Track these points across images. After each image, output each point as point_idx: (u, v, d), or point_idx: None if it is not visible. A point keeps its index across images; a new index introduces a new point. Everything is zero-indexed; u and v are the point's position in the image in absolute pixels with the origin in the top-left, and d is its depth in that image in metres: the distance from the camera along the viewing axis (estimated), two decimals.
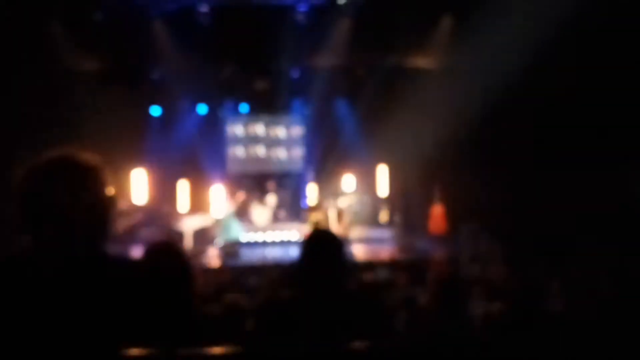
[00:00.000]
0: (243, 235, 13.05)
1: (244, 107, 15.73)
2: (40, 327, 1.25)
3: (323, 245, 2.23)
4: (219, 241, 12.68)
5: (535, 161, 10.75)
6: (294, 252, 12.10)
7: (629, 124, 9.52)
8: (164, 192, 14.30)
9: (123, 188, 12.90)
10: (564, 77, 9.98)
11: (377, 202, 14.34)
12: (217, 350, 1.14)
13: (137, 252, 9.93)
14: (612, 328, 2.64)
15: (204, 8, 11.64)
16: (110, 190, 1.46)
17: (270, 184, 15.16)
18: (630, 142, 9.62)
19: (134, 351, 1.12)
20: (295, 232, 13.89)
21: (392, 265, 9.53)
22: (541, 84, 10.37)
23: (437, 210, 13.66)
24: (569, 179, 10.13)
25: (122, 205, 12.28)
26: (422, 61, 13.77)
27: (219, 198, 13.67)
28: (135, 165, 13.89)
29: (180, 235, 12.54)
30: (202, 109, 15.20)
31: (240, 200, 13.06)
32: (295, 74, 14.29)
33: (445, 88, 12.08)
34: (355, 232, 13.94)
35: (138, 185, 13.93)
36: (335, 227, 13.13)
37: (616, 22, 9.16)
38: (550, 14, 9.22)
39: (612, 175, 9.87)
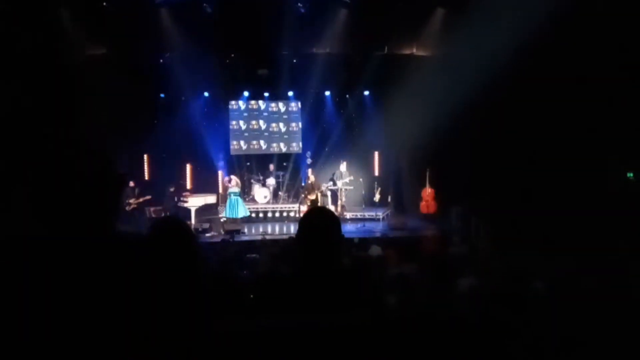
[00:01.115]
0: (245, 213, 13.12)
1: (245, 93, 15.74)
2: (53, 302, 1.24)
3: (320, 223, 2.22)
4: (223, 218, 12.74)
5: (523, 147, 10.73)
6: (292, 229, 12.21)
7: (617, 115, 9.48)
8: (171, 172, 14.30)
9: (132, 169, 12.88)
10: (553, 67, 9.93)
11: (371, 183, 14.35)
12: (220, 323, 1.14)
13: (145, 229, 9.94)
14: (592, 311, 2.65)
15: None
16: (118, 170, 1.45)
17: (271, 166, 15.20)
18: (618, 133, 9.60)
19: (143, 325, 1.11)
20: (294, 211, 13.95)
21: (385, 242, 9.55)
22: (530, 73, 10.32)
23: (428, 192, 13.71)
24: (557, 164, 10.14)
25: (130, 185, 12.25)
26: (416, 50, 13.70)
27: (223, 178, 13.69)
28: (142, 147, 13.86)
29: (185, 213, 12.57)
30: (206, 94, 15.17)
31: (236, 182, 13.08)
32: (294, 61, 14.20)
33: (439, 76, 12.02)
34: (351, 211, 14.00)
35: (146, 166, 13.91)
36: (331, 206, 13.18)
37: (605, 15, 9.09)
38: (539, 6, 9.15)
39: (597, 166, 9.89)
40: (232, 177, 13.05)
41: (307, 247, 2.18)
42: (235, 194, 12.72)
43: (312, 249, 2.16)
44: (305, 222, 2.25)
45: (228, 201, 12.68)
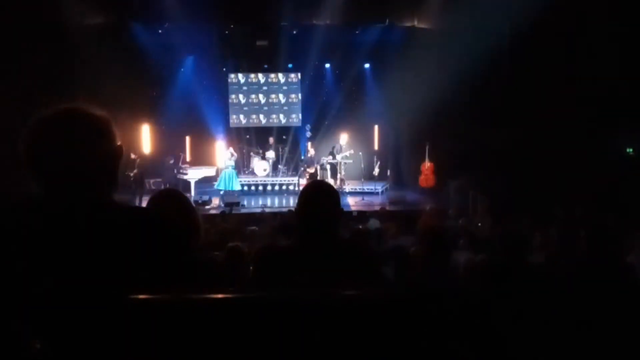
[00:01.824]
0: (239, 186, 13.16)
1: (245, 64, 15.59)
2: (48, 272, 1.25)
3: (319, 196, 2.22)
4: (221, 191, 12.77)
5: (522, 121, 10.69)
6: (291, 202, 12.25)
7: (617, 90, 9.40)
8: (170, 145, 14.26)
9: (131, 140, 12.82)
10: (555, 41, 9.82)
11: (370, 157, 14.34)
12: (219, 295, 1.15)
13: (144, 200, 9.95)
14: (588, 281, 2.68)
15: None
16: (117, 141, 1.44)
17: (270, 139, 15.16)
18: (619, 107, 9.53)
19: (141, 296, 1.12)
20: (294, 184, 13.97)
21: (383, 216, 9.58)
22: (532, 47, 10.22)
23: (427, 166, 13.71)
24: (555, 140, 10.11)
25: (130, 156, 12.23)
26: (417, 23, 13.53)
27: (221, 151, 13.69)
28: (141, 118, 13.78)
29: (185, 184, 12.58)
30: (204, 66, 15.02)
31: (235, 155, 13.11)
32: (294, 32, 14.03)
33: (439, 49, 11.90)
34: (350, 185, 14.02)
35: (145, 138, 13.86)
36: (330, 180, 13.19)
37: None
38: None
39: (595, 138, 9.86)
40: (231, 148, 13.14)
41: (306, 220, 2.19)
42: (232, 167, 12.77)
43: (312, 222, 2.17)
44: (304, 195, 2.25)
45: (222, 174, 12.73)
